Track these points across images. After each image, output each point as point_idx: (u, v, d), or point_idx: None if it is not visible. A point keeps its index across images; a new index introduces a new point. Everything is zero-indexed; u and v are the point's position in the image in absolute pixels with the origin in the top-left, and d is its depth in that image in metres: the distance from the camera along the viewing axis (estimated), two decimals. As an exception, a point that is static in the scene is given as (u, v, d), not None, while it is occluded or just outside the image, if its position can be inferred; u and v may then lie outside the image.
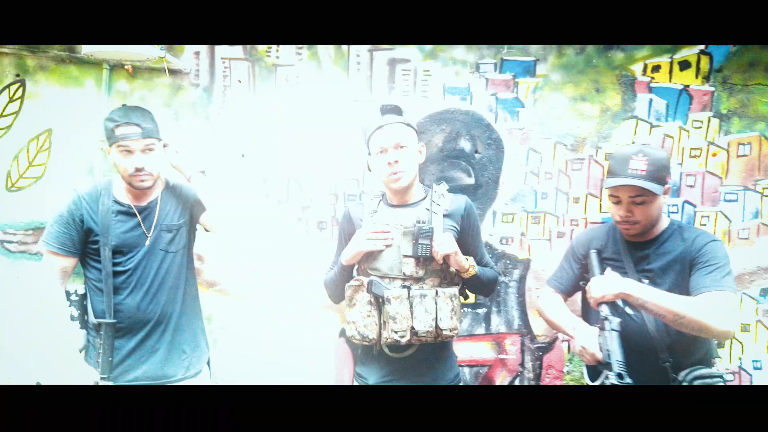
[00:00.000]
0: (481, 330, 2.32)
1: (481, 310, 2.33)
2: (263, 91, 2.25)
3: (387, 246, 1.51)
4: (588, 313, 1.67)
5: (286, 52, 2.25)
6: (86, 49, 1.96)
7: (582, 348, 1.45)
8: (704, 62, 2.25)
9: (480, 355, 2.34)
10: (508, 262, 2.31)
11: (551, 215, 2.30)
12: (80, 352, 1.59)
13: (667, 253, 1.51)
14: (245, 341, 2.31)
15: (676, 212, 2.32)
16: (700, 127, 2.29)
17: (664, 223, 1.57)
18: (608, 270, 1.54)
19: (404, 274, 1.50)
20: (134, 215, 1.59)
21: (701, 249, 1.46)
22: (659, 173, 1.46)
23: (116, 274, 1.57)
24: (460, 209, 1.58)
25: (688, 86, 2.26)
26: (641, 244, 1.57)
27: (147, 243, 1.58)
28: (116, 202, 1.61)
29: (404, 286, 1.51)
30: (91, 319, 1.57)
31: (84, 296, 1.60)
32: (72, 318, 1.58)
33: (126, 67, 2.19)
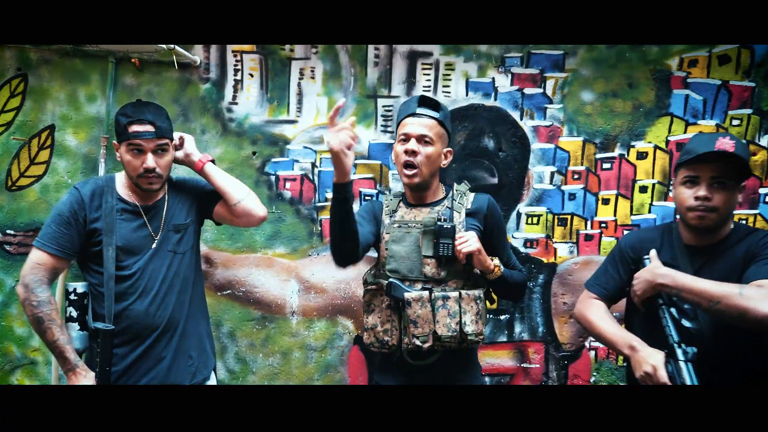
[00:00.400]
0: (503, 337, 2.24)
1: (504, 317, 2.24)
2: (276, 85, 2.18)
3: (351, 144, 1.31)
4: (632, 320, 1.53)
5: (301, 45, 2.17)
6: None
7: (647, 374, 1.29)
8: (745, 56, 2.14)
9: (502, 363, 2.23)
10: (533, 266, 2.22)
11: (579, 217, 2.20)
12: (81, 356, 1.48)
13: (733, 259, 1.37)
14: (255, 349, 2.21)
15: None
16: (740, 125, 2.17)
17: (729, 226, 1.43)
18: (653, 253, 1.40)
19: (425, 276, 1.43)
20: (140, 215, 1.52)
21: (765, 243, 1.34)
22: (745, 160, 1.32)
23: (122, 278, 1.48)
24: (483, 208, 1.51)
25: (727, 82, 2.14)
26: (703, 250, 1.40)
27: (154, 245, 1.50)
28: (120, 200, 1.53)
29: (425, 288, 1.44)
30: (90, 323, 1.48)
31: (84, 295, 1.51)
32: (70, 319, 1.48)
33: (133, 60, 2.11)
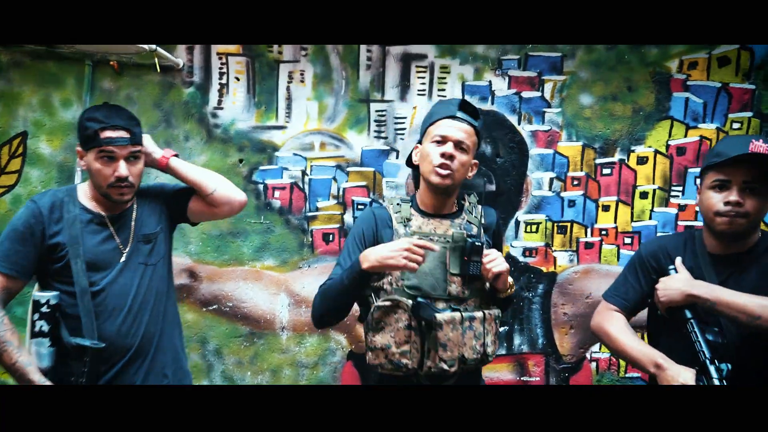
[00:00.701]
0: (502, 350, 2.19)
1: (503, 329, 2.19)
2: (264, 89, 2.10)
3: (418, 264, 1.32)
4: (655, 332, 1.45)
5: (289, 47, 2.10)
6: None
7: None
8: (744, 58, 2.12)
9: (501, 377, 2.17)
10: (532, 275, 2.18)
11: (579, 224, 2.17)
12: (46, 375, 1.34)
13: (763, 269, 1.30)
14: (243, 367, 2.10)
15: None
16: (740, 129, 2.15)
17: (757, 234, 1.34)
18: (678, 261, 1.33)
19: (449, 295, 1.35)
20: (106, 226, 1.42)
21: None
22: None
23: (90, 296, 1.38)
24: (493, 223, 1.48)
25: (727, 84, 2.13)
26: (729, 259, 1.33)
27: (123, 258, 1.41)
28: (84, 209, 1.42)
29: (454, 309, 1.36)
30: (68, 339, 1.35)
31: (57, 307, 1.37)
32: (40, 334, 1.33)
33: (111, 62, 2.01)
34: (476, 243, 1.34)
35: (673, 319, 1.31)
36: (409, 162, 1.48)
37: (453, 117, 1.37)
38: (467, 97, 2.11)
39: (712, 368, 1.19)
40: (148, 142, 1.48)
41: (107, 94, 2.05)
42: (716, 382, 1.18)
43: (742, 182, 1.26)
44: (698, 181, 1.37)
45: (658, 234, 2.13)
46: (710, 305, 1.24)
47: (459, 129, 1.37)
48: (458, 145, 1.36)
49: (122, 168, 1.36)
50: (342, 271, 1.37)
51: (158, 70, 1.98)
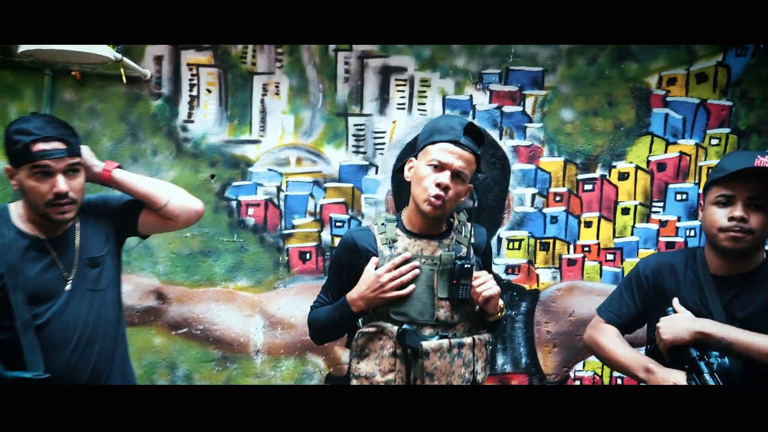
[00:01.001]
0: None
1: None
2: (237, 102, 2.03)
3: (412, 288, 1.29)
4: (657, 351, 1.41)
5: (264, 58, 2.02)
6: (23, 49, 1.64)
7: None
8: (722, 75, 2.14)
9: (485, 399, 2.12)
10: (515, 293, 2.15)
11: (561, 241, 2.15)
12: None
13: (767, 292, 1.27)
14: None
15: (694, 236, 2.17)
16: (718, 145, 2.17)
17: (762, 254, 1.30)
18: (676, 303, 1.29)
19: (437, 320, 1.29)
20: (46, 251, 1.28)
21: None
22: None
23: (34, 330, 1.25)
24: (483, 242, 1.41)
25: (705, 101, 2.14)
26: (733, 280, 1.28)
27: (68, 286, 1.28)
28: (20, 233, 1.28)
29: (442, 335, 1.30)
30: (5, 374, 1.21)
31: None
32: None
33: (73, 72, 1.91)
34: (465, 265, 1.27)
35: (674, 359, 1.26)
36: (398, 169, 1.40)
37: (456, 142, 1.28)
38: (454, 112, 2.08)
39: (701, 363, 1.18)
40: (87, 154, 1.34)
41: (68, 105, 1.95)
42: (707, 377, 1.16)
43: (747, 198, 1.22)
44: (702, 198, 1.33)
45: (659, 251, 2.11)
46: (725, 344, 1.19)
47: (460, 157, 1.27)
48: (456, 174, 1.28)
49: (61, 183, 1.22)
50: (330, 301, 1.37)
51: (124, 81, 1.89)
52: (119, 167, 1.37)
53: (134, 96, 1.97)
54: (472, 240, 1.37)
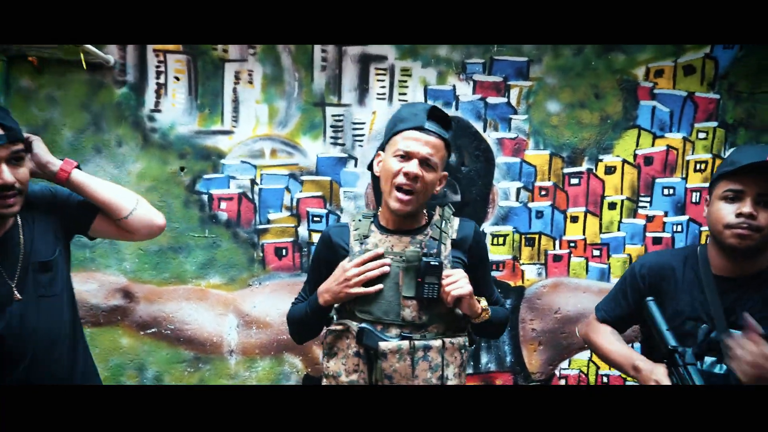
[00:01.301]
0: (468, 369, 2.09)
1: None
2: (208, 90, 1.94)
3: (379, 287, 1.25)
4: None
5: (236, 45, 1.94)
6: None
7: None
8: (709, 67, 2.10)
9: (468, 399, 2.07)
10: (499, 290, 2.06)
11: (547, 236, 2.11)
12: None
13: None
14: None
15: (681, 231, 2.12)
16: (706, 138, 2.13)
17: None
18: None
19: (403, 320, 1.25)
20: None
21: None
22: None
23: None
24: (469, 237, 1.33)
25: (693, 93, 2.11)
26: (736, 282, 1.22)
27: (17, 295, 1.16)
28: None
29: (404, 336, 1.24)
30: None
31: None
32: None
33: (30, 58, 1.80)
34: (431, 263, 1.21)
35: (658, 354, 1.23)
36: (371, 167, 1.35)
37: (421, 128, 1.23)
38: (436, 103, 2.01)
39: (676, 356, 1.16)
40: (41, 149, 1.22)
41: (25, 93, 1.84)
42: (682, 370, 1.14)
43: (757, 194, 1.15)
44: (707, 193, 1.28)
45: (660, 250, 2.06)
46: None
47: (426, 143, 1.22)
48: (425, 162, 1.22)
49: (5, 172, 1.09)
50: (307, 298, 1.35)
51: (85, 67, 1.79)
52: (78, 167, 1.24)
53: (97, 83, 1.88)
54: (454, 235, 1.30)
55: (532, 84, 2.05)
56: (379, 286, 1.24)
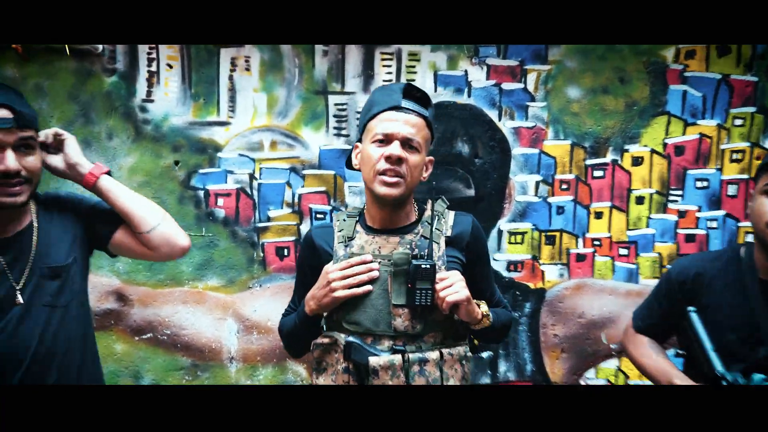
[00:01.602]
0: (485, 379, 2.00)
1: (486, 354, 2.00)
2: (203, 78, 1.89)
3: (368, 288, 1.17)
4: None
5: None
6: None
7: None
8: (746, 48, 1.96)
9: (485, 410, 1.97)
10: (518, 293, 2.01)
11: (569, 234, 2.00)
12: None
13: None
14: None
15: (716, 228, 1.99)
16: (743, 126, 1.99)
17: None
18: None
19: (395, 331, 1.16)
20: None
21: None
22: None
23: None
24: (466, 233, 1.24)
25: (727, 76, 1.97)
26: None
27: (20, 298, 1.12)
28: None
29: (396, 350, 1.15)
30: None
31: None
32: None
33: (14, 46, 1.76)
34: (422, 265, 1.12)
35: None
36: (349, 165, 1.27)
37: (397, 108, 1.16)
38: (447, 90, 1.93)
39: (722, 383, 1.08)
40: (73, 149, 1.21)
41: (11, 82, 1.76)
42: (723, 374, 1.08)
43: None
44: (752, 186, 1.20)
45: (693, 252, 1.94)
46: None
47: (406, 123, 1.15)
48: (407, 143, 1.15)
49: (9, 159, 1.05)
50: (296, 307, 1.29)
51: (67, 53, 1.76)
52: (108, 173, 1.23)
53: (85, 72, 1.83)
54: (448, 232, 1.21)
55: (551, 68, 1.94)
56: (369, 287, 1.15)
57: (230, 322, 1.91)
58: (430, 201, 1.25)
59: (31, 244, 1.14)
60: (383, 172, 1.14)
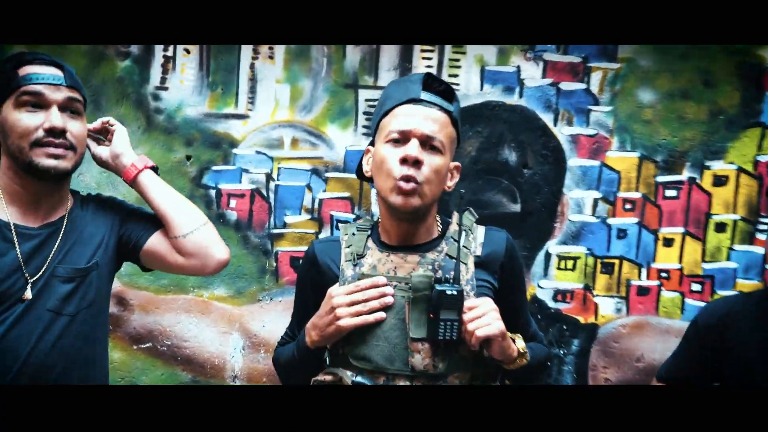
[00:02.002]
0: None
1: None
2: (221, 66, 1.82)
3: (381, 316, 1.07)
4: None
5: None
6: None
7: None
8: None
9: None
10: (565, 327, 1.86)
11: (630, 262, 1.84)
12: None
13: None
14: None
15: None
16: None
17: None
18: None
19: (412, 370, 1.06)
20: (11, 243, 1.09)
21: None
22: None
23: None
24: (500, 253, 1.14)
25: None
26: None
27: (27, 294, 1.09)
28: None
29: None
30: None
31: None
32: None
33: None
34: (448, 291, 1.02)
35: None
36: (360, 173, 1.18)
37: (415, 101, 1.07)
38: (495, 87, 1.81)
39: None
40: (121, 139, 1.22)
41: None
42: None
43: None
44: None
45: (725, 294, 1.79)
46: None
47: (426, 118, 1.05)
48: (427, 142, 1.05)
49: (55, 115, 1.04)
50: (295, 335, 1.22)
51: None
52: (154, 169, 1.22)
53: (97, 55, 1.78)
54: (478, 251, 1.11)
55: (620, 66, 1.79)
56: (382, 314, 1.04)
57: (236, 337, 1.82)
58: (455, 213, 1.15)
59: (56, 239, 1.12)
60: (399, 178, 1.03)
